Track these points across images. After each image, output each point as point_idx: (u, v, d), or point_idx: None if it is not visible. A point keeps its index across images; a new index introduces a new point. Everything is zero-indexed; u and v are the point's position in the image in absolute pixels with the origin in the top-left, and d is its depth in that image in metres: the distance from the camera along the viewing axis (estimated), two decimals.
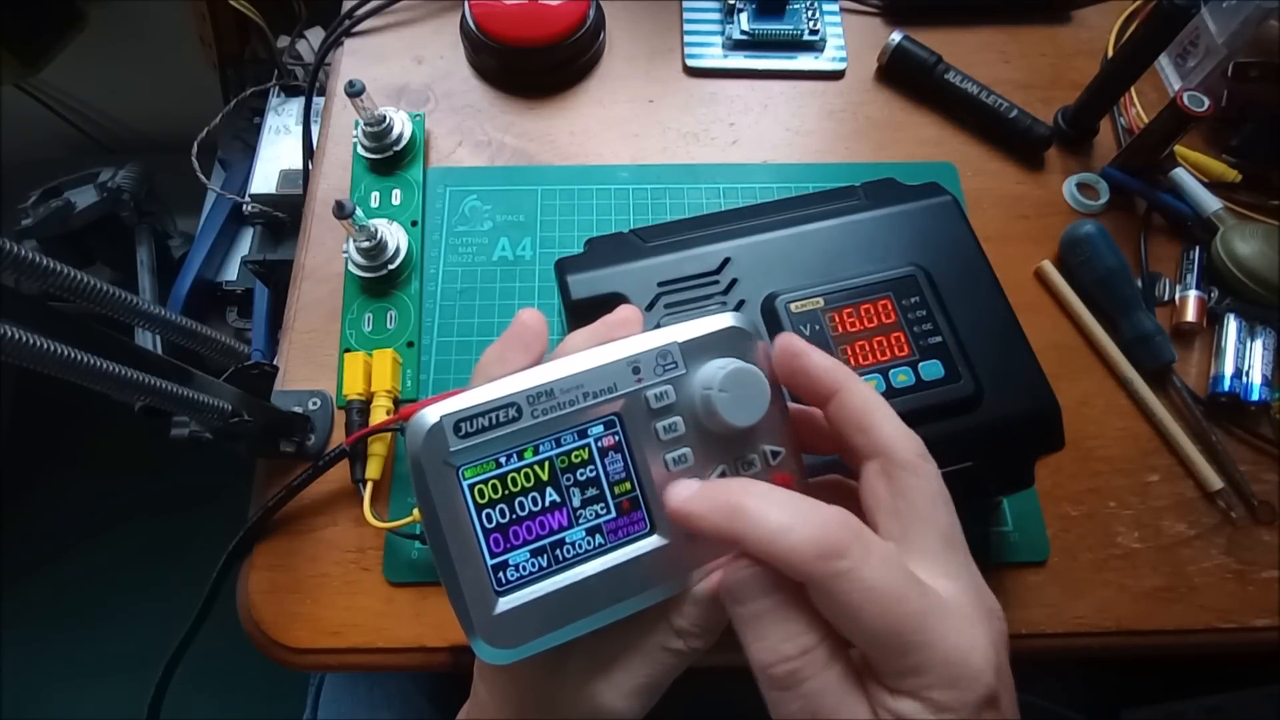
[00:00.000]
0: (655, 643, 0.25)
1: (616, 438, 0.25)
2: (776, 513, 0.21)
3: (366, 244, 0.45)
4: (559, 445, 0.24)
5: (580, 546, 0.25)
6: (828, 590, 0.20)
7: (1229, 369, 0.45)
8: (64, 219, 0.82)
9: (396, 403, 0.43)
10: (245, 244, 0.80)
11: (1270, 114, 0.51)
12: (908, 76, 0.55)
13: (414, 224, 0.48)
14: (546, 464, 0.24)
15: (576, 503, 0.25)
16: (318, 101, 0.56)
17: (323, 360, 0.45)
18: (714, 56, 0.56)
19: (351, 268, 0.46)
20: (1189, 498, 0.43)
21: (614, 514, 0.25)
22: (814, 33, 0.56)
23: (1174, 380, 0.45)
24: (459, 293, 0.47)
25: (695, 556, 0.25)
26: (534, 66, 0.54)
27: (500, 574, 0.24)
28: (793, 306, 0.34)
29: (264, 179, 0.68)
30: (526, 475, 0.24)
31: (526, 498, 0.24)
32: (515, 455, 0.24)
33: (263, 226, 0.73)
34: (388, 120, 0.49)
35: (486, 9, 0.52)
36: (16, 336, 0.24)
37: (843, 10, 0.58)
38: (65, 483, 1.14)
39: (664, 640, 0.25)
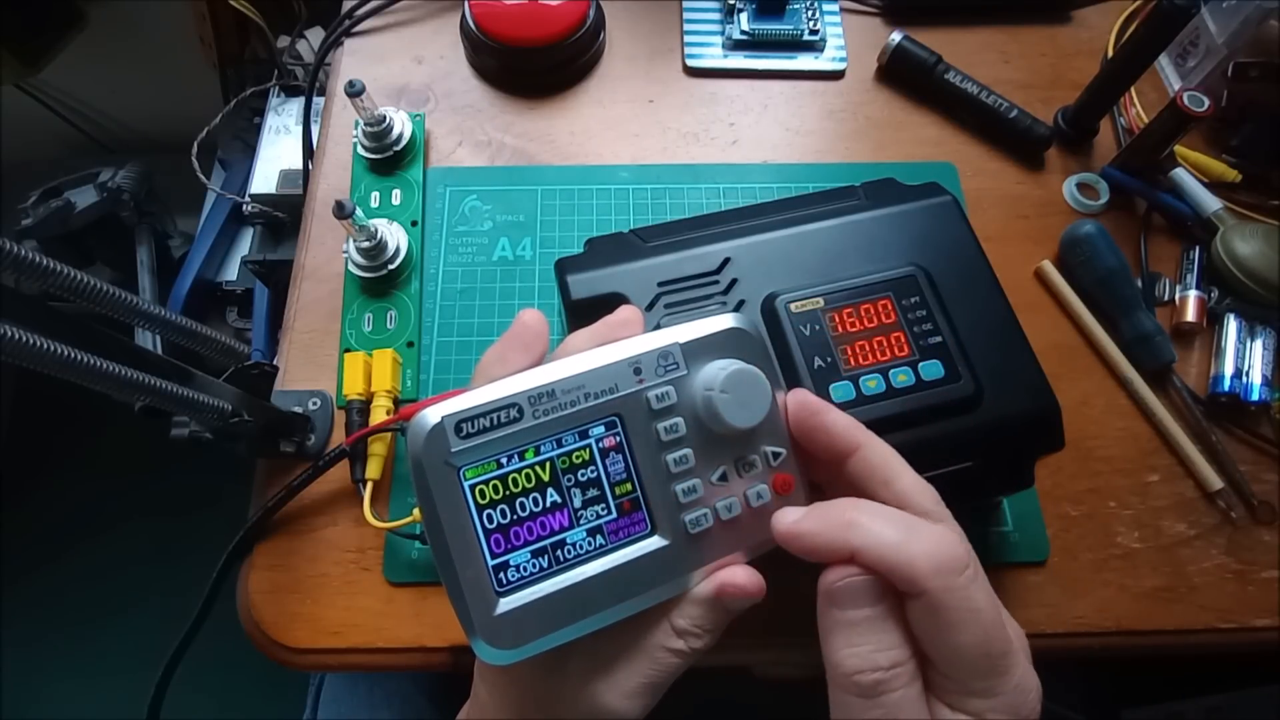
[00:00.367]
0: (656, 643, 0.25)
1: (617, 438, 0.25)
2: (892, 528, 0.22)
3: (366, 244, 0.45)
4: (560, 446, 0.24)
5: (581, 547, 0.25)
6: (940, 604, 0.21)
7: (1229, 369, 0.45)
8: (64, 219, 0.82)
9: (396, 403, 0.43)
10: (245, 244, 0.80)
11: (1270, 114, 0.51)
12: (908, 76, 0.55)
13: (414, 224, 0.48)
14: (548, 464, 0.24)
15: (577, 503, 0.25)
16: (318, 101, 0.56)
17: (323, 360, 0.45)
18: (714, 56, 0.56)
19: (351, 268, 0.46)
20: (1189, 498, 0.43)
21: (615, 515, 0.25)
22: (814, 33, 0.56)
23: (1174, 380, 0.45)
24: (459, 293, 0.47)
25: (695, 557, 0.25)
26: (534, 66, 0.54)
27: (501, 575, 0.24)
28: (793, 306, 0.34)
29: (264, 179, 0.68)
30: (528, 476, 0.24)
31: (527, 498, 0.24)
32: (516, 456, 0.24)
33: (263, 226, 0.73)
34: (388, 120, 0.49)
35: (486, 9, 0.52)
36: (16, 336, 0.24)
37: (843, 10, 0.58)
38: (65, 483, 1.14)
39: (665, 640, 0.25)
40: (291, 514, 0.41)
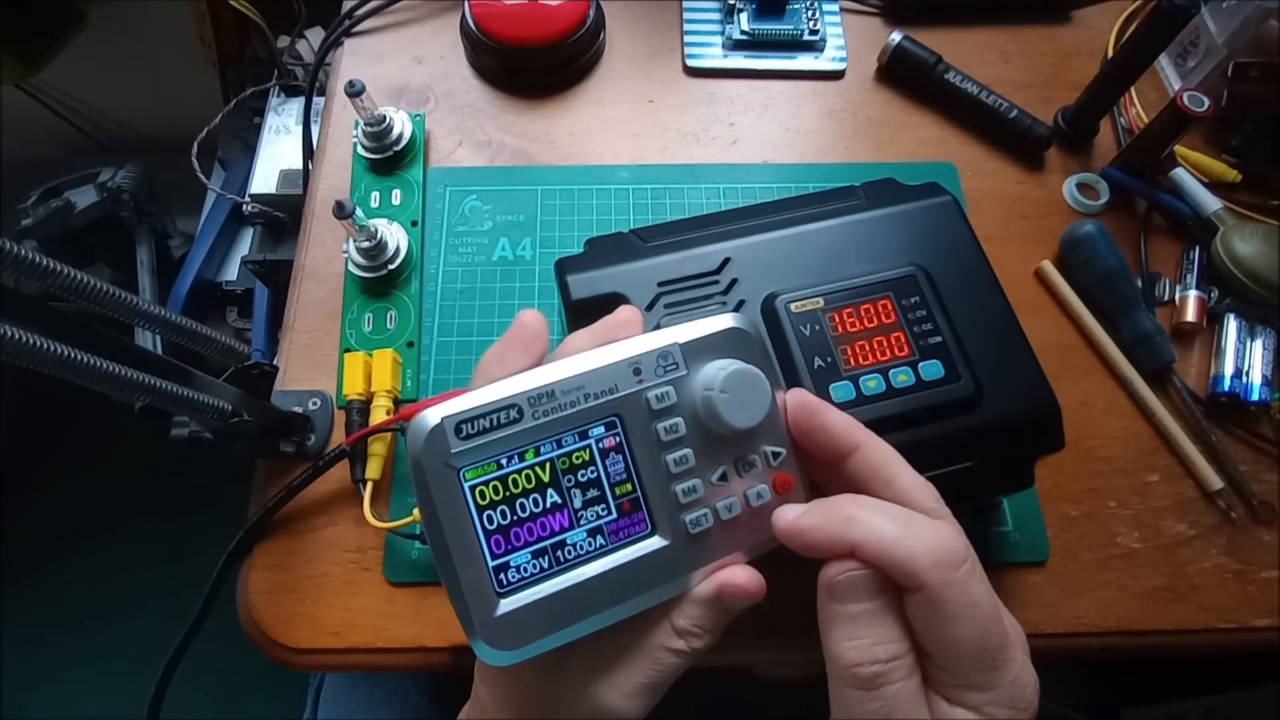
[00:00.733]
0: (656, 643, 0.25)
1: (617, 438, 0.25)
2: (891, 523, 0.22)
3: (366, 244, 0.45)
4: (560, 446, 0.24)
5: (581, 548, 0.25)
6: (939, 598, 0.21)
7: (1229, 369, 0.45)
8: (64, 219, 0.82)
9: (396, 403, 0.43)
10: (245, 244, 0.80)
11: (1270, 114, 0.51)
12: (908, 76, 0.55)
13: (414, 224, 0.48)
14: (548, 465, 0.24)
15: (578, 504, 0.25)
16: (318, 101, 0.56)
17: (323, 360, 0.45)
18: (714, 56, 0.56)
19: (351, 268, 0.46)
20: (1189, 498, 0.43)
21: (615, 515, 0.25)
22: (814, 33, 0.56)
23: (1174, 380, 0.45)
24: (459, 293, 0.47)
25: (696, 557, 0.25)
26: (534, 66, 0.54)
27: (501, 575, 0.24)
28: (793, 306, 0.34)
29: (264, 179, 0.68)
30: (528, 476, 0.24)
31: (528, 499, 0.24)
32: (516, 456, 0.24)
33: (263, 226, 0.73)
34: (388, 120, 0.49)
35: (486, 9, 0.52)
36: (16, 336, 0.24)
37: (843, 10, 0.58)
38: (65, 483, 1.14)
39: (665, 640, 0.25)
40: (291, 514, 0.41)
